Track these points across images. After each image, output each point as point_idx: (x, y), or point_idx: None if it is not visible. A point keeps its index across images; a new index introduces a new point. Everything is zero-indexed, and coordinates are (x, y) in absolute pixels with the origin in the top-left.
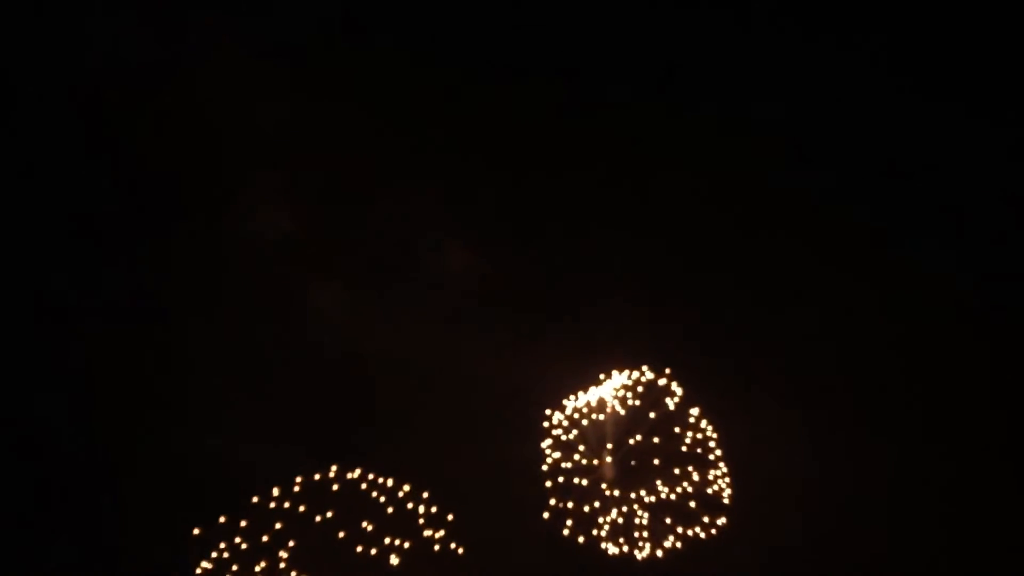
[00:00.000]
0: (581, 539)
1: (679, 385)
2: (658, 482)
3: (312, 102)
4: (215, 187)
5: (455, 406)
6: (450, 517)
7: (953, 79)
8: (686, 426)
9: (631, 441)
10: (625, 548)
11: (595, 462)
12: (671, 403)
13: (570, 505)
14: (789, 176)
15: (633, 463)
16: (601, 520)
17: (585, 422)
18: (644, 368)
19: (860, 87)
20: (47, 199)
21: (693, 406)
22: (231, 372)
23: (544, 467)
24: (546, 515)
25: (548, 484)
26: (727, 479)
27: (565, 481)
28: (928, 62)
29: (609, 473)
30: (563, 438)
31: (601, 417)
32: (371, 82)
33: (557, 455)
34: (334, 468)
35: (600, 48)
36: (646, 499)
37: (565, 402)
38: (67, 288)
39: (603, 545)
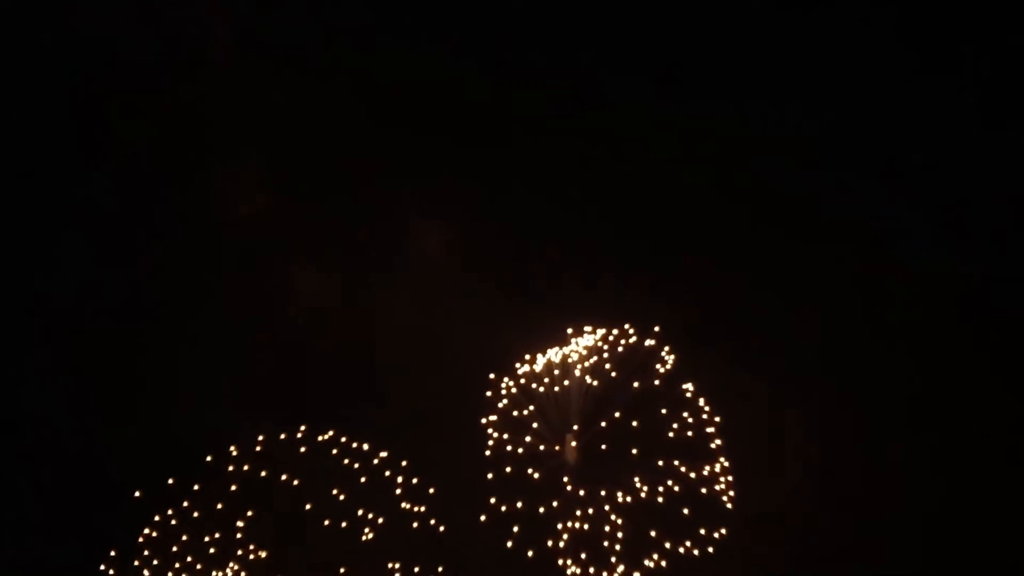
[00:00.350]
0: (531, 553)
1: (671, 351)
2: (636, 479)
3: (295, 90)
4: (199, 175)
5: (436, 372)
6: (432, 491)
7: (956, 76)
8: (678, 405)
9: (603, 423)
10: (591, 569)
11: (555, 448)
12: (660, 372)
13: (519, 505)
14: (787, 161)
15: (604, 449)
16: (560, 527)
17: (542, 389)
18: (627, 327)
19: (865, 87)
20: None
21: (688, 379)
22: (200, 336)
23: (487, 452)
24: (483, 518)
25: (489, 476)
26: (729, 477)
27: (513, 472)
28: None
29: (572, 461)
30: (514, 413)
31: (566, 383)
32: (360, 73)
33: (503, 436)
34: (303, 428)
35: (598, 44)
36: (620, 500)
37: (517, 365)
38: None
39: (560, 562)
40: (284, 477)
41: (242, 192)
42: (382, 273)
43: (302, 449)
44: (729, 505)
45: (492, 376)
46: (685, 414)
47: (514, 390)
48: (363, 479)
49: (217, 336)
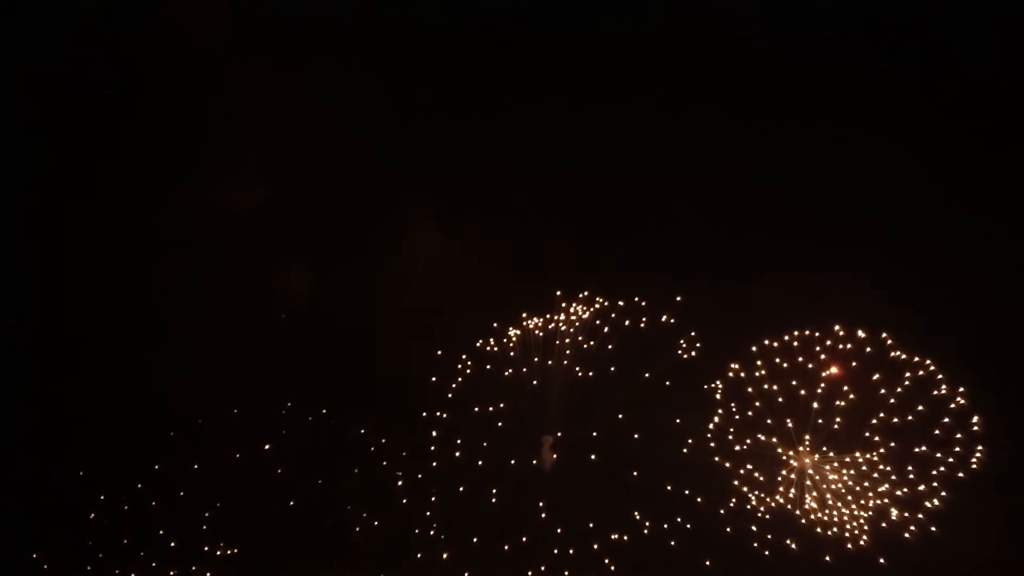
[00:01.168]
0: None
1: (697, 336)
2: (636, 512)
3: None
4: (186, 173)
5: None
6: (434, 499)
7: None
8: (699, 410)
9: (593, 430)
10: None
11: (527, 459)
12: (679, 360)
13: (474, 541)
14: None
15: (592, 464)
16: (530, 574)
17: (505, 372)
18: (638, 299)
19: None
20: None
21: (715, 376)
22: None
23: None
24: (419, 555)
25: (433, 498)
26: (765, 515)
27: (466, 493)
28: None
29: (547, 471)
30: (474, 409)
31: (548, 365)
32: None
33: (456, 439)
34: (288, 405)
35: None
36: (614, 539)
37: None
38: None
39: None
40: (262, 462)
41: (226, 190)
42: (367, 258)
43: (283, 432)
44: (766, 552)
45: (440, 352)
46: (710, 425)
47: (470, 371)
48: (355, 471)
49: (196, 320)
